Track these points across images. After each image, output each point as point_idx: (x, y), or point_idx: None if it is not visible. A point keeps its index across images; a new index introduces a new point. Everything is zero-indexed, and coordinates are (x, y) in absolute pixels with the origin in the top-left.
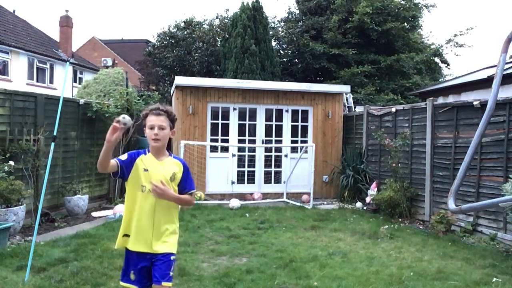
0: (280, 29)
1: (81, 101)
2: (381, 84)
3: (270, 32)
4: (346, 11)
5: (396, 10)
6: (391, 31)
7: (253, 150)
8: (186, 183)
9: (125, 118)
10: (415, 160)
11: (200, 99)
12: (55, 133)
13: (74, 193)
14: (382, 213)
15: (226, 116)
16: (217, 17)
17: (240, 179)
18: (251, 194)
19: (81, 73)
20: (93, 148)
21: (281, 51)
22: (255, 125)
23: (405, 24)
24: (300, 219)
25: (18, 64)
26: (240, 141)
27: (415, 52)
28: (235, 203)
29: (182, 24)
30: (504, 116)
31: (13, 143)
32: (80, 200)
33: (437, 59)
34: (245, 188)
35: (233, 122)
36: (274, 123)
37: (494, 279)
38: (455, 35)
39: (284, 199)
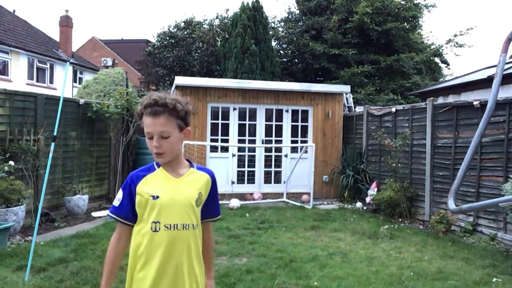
0: (280, 29)
1: (81, 101)
2: (381, 84)
3: (270, 32)
4: (346, 11)
5: (396, 10)
6: (391, 31)
7: (253, 150)
8: (213, 205)
9: None
10: (415, 160)
11: (200, 99)
12: (55, 133)
13: (74, 193)
14: (382, 213)
15: (226, 116)
16: (217, 17)
17: (240, 179)
18: (251, 194)
19: (81, 73)
20: (93, 148)
21: (281, 51)
22: (255, 125)
23: (405, 24)
24: (300, 219)
25: (18, 64)
26: (240, 141)
27: (415, 52)
28: (235, 203)
29: (182, 24)
30: (504, 116)
31: (13, 143)
32: (80, 200)
33: (437, 59)
34: (245, 188)
35: (233, 122)
36: (274, 123)
37: (494, 279)
38: (455, 35)
39: (284, 199)
